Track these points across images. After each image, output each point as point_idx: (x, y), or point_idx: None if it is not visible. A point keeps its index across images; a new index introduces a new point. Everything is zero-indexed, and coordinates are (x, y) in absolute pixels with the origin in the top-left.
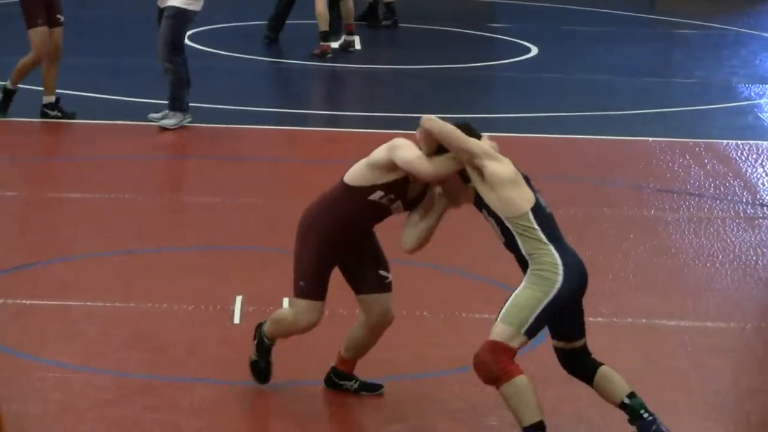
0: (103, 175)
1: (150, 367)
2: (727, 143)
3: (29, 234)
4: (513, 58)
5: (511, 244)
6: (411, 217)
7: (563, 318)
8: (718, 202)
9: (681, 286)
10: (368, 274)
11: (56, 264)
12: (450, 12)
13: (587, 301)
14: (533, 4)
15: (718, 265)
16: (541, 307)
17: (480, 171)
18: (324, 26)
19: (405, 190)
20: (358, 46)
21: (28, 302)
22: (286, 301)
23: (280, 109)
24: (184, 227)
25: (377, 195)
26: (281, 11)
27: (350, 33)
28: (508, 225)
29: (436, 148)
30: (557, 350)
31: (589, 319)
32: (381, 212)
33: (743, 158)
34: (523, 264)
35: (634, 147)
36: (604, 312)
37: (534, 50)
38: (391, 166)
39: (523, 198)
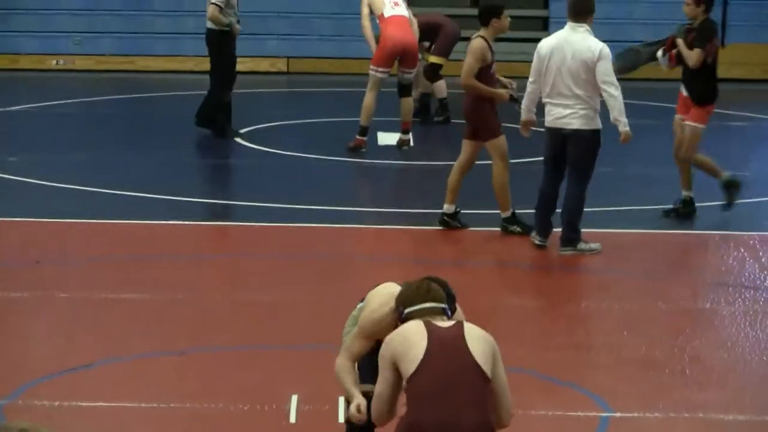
0: (154, 275)
1: None
2: None
3: (82, 335)
4: None
5: None
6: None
7: None
8: None
9: (738, 379)
10: None
11: (110, 365)
12: (505, 107)
13: (645, 395)
14: None
15: None
16: None
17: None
18: (365, 121)
19: None
20: (411, 143)
21: (83, 404)
22: (341, 400)
23: (332, 207)
24: (237, 325)
25: None
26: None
27: (407, 131)
28: None
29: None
30: None
31: (647, 415)
32: None
33: None
34: None
35: (688, 240)
36: (661, 407)
37: None
38: None
39: None
